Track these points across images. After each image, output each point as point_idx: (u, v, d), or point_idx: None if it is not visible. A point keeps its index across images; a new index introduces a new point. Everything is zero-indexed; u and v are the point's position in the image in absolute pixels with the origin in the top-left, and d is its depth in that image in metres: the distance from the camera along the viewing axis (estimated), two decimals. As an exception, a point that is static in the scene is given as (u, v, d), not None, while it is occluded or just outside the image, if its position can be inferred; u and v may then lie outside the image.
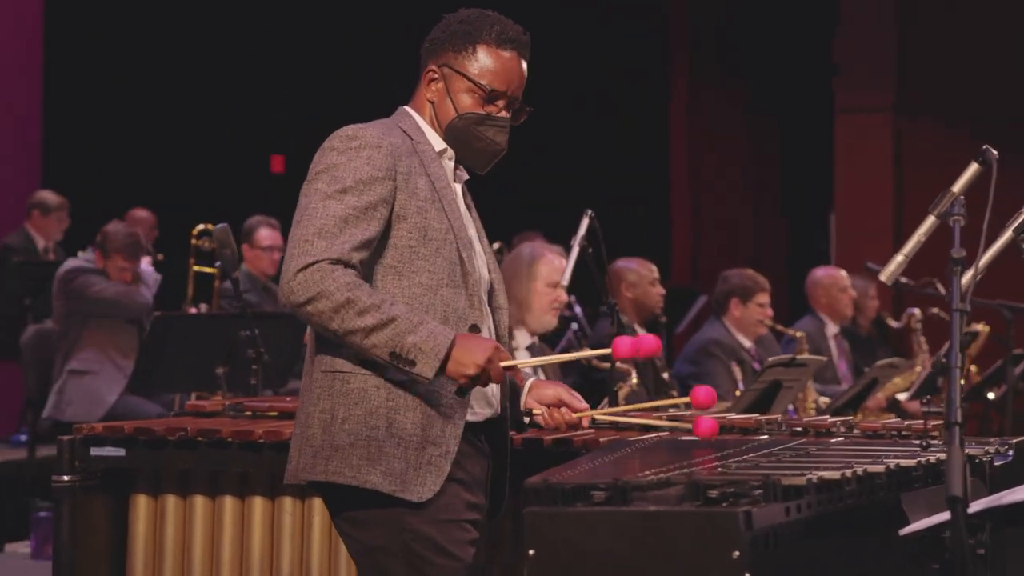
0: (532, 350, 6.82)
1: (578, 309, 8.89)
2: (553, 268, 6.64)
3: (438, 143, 3.83)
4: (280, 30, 13.27)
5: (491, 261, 3.93)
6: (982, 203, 3.21)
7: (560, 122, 13.55)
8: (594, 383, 7.15)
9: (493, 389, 3.83)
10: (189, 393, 7.92)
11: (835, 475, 3.08)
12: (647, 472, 3.02)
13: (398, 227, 3.68)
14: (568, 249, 6.18)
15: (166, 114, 13.07)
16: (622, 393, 7.04)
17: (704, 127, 13.89)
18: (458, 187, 3.87)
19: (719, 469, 3.14)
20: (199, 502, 4.56)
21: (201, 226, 9.24)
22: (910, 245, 3.40)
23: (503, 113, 3.80)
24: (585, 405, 3.98)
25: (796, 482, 2.94)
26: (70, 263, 8.65)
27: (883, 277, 3.45)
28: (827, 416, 5.24)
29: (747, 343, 8.68)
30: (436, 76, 3.81)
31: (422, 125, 3.83)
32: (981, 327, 9.78)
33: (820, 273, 10.05)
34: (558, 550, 2.77)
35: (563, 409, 3.96)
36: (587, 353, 4.60)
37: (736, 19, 13.97)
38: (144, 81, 13.07)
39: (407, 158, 3.72)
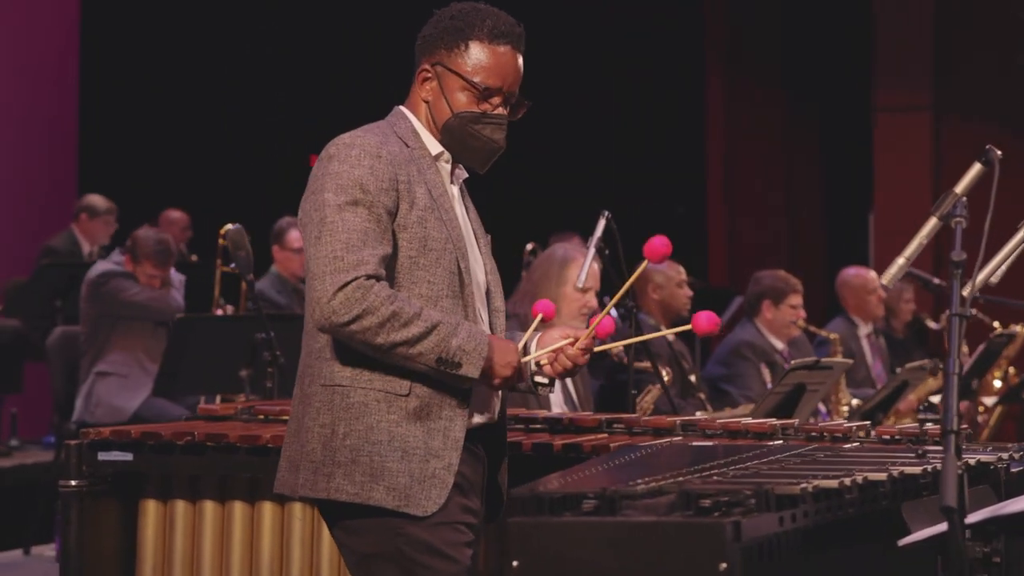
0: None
1: (613, 311, 8.78)
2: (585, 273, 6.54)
3: (434, 146, 3.75)
4: (320, 31, 13.24)
5: (488, 262, 3.85)
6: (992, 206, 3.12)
7: (598, 121, 13.49)
8: (620, 385, 7.05)
9: (493, 395, 3.77)
10: (215, 396, 7.88)
11: (833, 483, 3.00)
12: (641, 480, 2.94)
13: (399, 238, 3.62)
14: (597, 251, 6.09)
15: (203, 114, 13.07)
16: (649, 397, 6.95)
17: (742, 126, 13.78)
18: (455, 189, 3.80)
19: (715, 477, 3.05)
20: (208, 507, 4.53)
21: (229, 226, 9.20)
22: (911, 248, 3.32)
23: (500, 110, 3.72)
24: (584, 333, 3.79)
25: (790, 491, 2.86)
26: (100, 267, 8.61)
27: (884, 280, 3.37)
28: (843, 421, 5.15)
29: (779, 345, 8.58)
30: (430, 75, 3.74)
31: (418, 127, 3.76)
32: (1020, 329, 9.66)
33: (849, 273, 9.93)
34: (543, 561, 2.70)
35: (564, 354, 3.74)
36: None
37: (773, 17, 13.84)
38: (181, 81, 13.08)
39: (405, 167, 3.65)
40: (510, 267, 8.48)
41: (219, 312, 8.28)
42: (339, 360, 3.63)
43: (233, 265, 6.48)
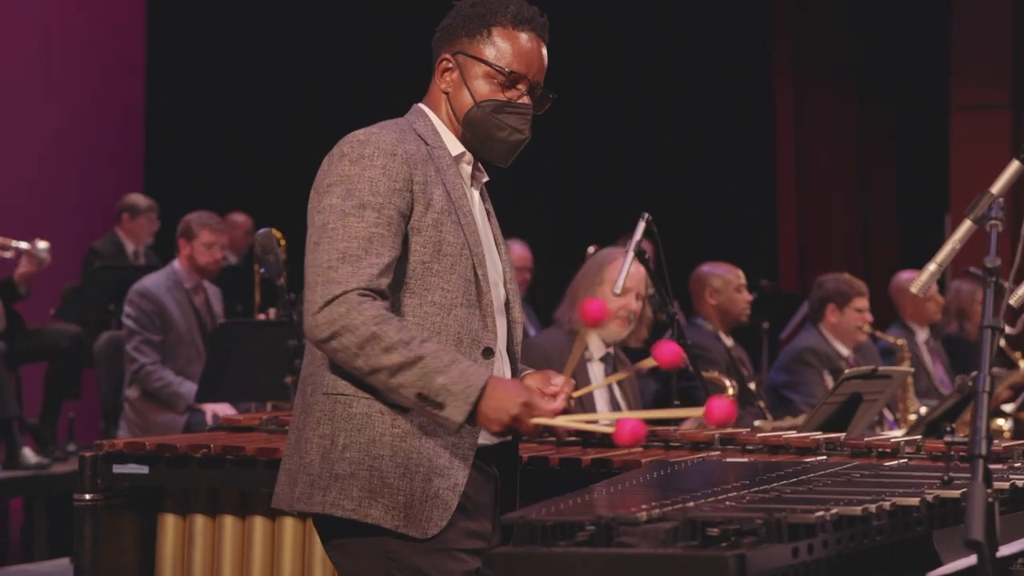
0: (607, 360, 6.53)
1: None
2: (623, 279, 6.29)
3: (455, 147, 3.57)
4: (379, 35, 13.10)
5: (508, 271, 3.65)
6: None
7: (667, 125, 13.25)
8: (679, 391, 6.79)
9: None
10: (265, 403, 7.71)
11: (856, 510, 2.76)
12: (645, 506, 2.72)
13: (412, 241, 3.43)
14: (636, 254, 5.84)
15: (267, 119, 12.97)
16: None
17: (813, 126, 13.45)
18: (475, 193, 3.61)
19: (727, 502, 2.82)
20: (228, 522, 4.38)
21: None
22: (944, 253, 3.08)
23: (524, 99, 3.53)
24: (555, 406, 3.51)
25: (805, 519, 2.62)
26: (146, 282, 8.38)
27: (914, 289, 3.13)
28: (892, 435, 4.89)
29: (844, 351, 8.30)
30: (451, 65, 3.56)
31: (438, 126, 3.57)
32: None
33: (904, 278, 9.55)
34: (531, 595, 2.48)
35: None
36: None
37: (846, 14, 13.52)
38: (245, 85, 12.99)
39: (423, 166, 3.46)
40: (572, 272, 8.27)
41: (261, 317, 8.10)
42: (342, 369, 3.42)
43: (264, 270, 6.31)
